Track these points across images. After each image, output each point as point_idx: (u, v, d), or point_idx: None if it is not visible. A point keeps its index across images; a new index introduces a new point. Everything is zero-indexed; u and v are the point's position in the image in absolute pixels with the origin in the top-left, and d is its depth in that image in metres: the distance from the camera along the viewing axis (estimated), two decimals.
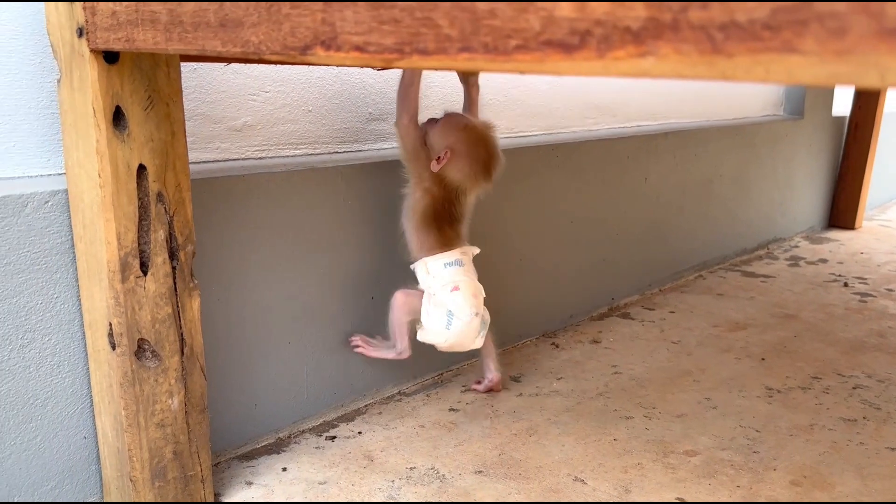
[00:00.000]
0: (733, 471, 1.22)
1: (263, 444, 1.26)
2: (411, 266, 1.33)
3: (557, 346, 1.76)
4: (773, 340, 1.82)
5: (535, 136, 1.83)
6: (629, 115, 2.13)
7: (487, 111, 1.69)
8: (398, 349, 1.33)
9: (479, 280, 1.33)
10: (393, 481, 1.17)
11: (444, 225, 1.30)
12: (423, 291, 1.31)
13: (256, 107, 1.27)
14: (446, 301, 1.28)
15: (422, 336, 1.32)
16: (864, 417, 1.42)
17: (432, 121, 1.30)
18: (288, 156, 1.34)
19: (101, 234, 0.92)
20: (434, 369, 1.56)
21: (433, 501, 0.85)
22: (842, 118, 3.09)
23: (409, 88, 1.22)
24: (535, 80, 1.79)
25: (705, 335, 1.85)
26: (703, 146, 2.26)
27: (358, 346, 1.35)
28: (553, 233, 1.79)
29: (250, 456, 1.23)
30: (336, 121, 1.40)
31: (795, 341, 1.82)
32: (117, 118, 0.90)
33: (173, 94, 0.95)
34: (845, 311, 2.07)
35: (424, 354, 1.53)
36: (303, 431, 1.32)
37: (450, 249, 1.31)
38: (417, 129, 1.26)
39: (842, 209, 3.17)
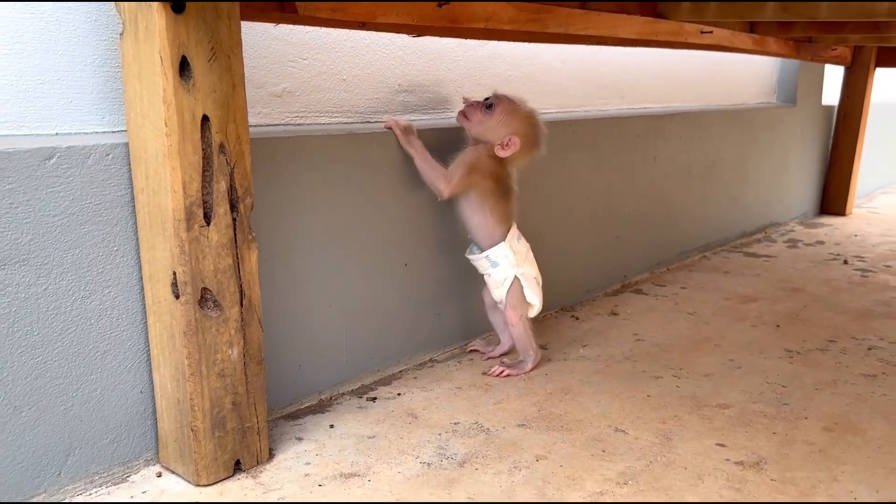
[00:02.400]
0: (767, 420, 1.25)
1: (307, 404, 1.28)
2: (486, 255, 1.39)
3: (577, 319, 1.79)
4: (784, 310, 1.87)
5: (551, 112, 1.87)
6: (636, 97, 2.18)
7: (506, 87, 1.73)
8: (534, 357, 1.45)
9: None
10: (440, 434, 1.19)
11: (507, 199, 1.39)
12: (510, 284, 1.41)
13: (295, 73, 1.29)
14: (531, 271, 1.43)
15: (532, 314, 1.46)
16: (883, 373, 1.46)
17: (484, 106, 1.35)
18: (324, 123, 1.36)
19: (166, 183, 0.94)
20: (462, 338, 1.58)
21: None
22: (831, 107, 3.17)
23: (430, 161, 1.34)
24: (550, 57, 1.83)
25: (719, 307, 1.90)
26: (706, 129, 2.32)
27: (503, 373, 1.42)
28: (570, 209, 1.83)
29: (296, 415, 1.24)
30: (368, 91, 1.43)
31: (806, 311, 1.87)
32: (183, 68, 0.92)
33: (234, 46, 0.97)
34: (849, 284, 2.12)
35: (453, 324, 1.55)
36: (343, 393, 1.33)
37: (510, 224, 1.41)
38: (456, 178, 1.34)
39: (833, 196, 3.25)
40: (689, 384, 1.40)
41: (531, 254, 1.44)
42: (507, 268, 1.40)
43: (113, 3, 0.95)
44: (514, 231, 1.41)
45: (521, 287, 1.41)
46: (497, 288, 1.42)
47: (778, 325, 1.75)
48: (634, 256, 2.11)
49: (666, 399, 1.33)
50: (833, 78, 3.20)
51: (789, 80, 2.95)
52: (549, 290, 1.80)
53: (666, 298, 1.97)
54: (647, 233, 2.14)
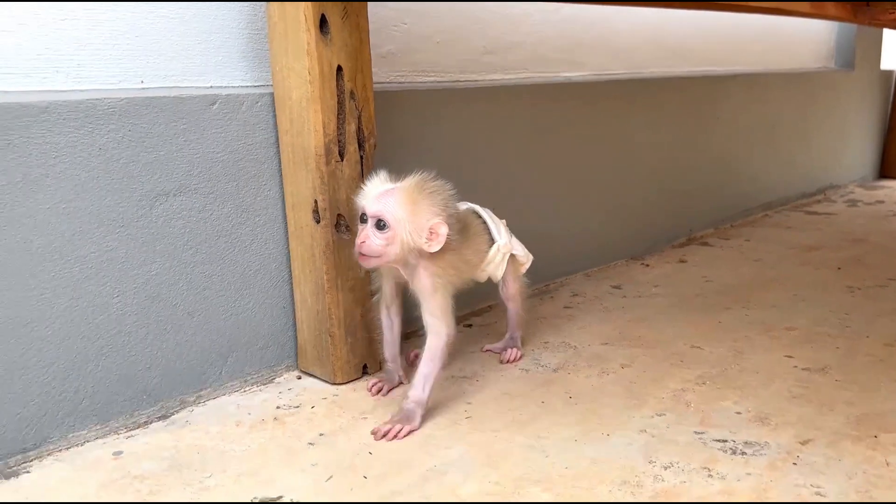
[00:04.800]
0: (831, 339, 1.38)
1: (412, 329, 1.44)
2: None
3: (648, 266, 1.92)
4: (845, 256, 1.97)
5: (620, 73, 2.00)
6: (699, 60, 2.29)
7: (578, 49, 1.87)
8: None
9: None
10: (532, 350, 1.35)
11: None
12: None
13: (398, 37, 1.46)
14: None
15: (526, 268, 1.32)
16: None
17: (375, 228, 1.03)
18: (421, 81, 1.52)
19: (309, 124, 1.11)
20: (543, 278, 1.73)
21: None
22: (889, 72, 3.21)
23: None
24: (617, 19, 1.96)
25: (782, 255, 2.01)
26: (767, 91, 2.41)
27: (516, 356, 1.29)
28: (637, 165, 1.96)
29: (405, 337, 1.40)
30: (457, 52, 1.58)
31: (867, 256, 1.97)
32: (322, 25, 1.09)
33: (361, 7, 1.14)
34: None
35: (536, 263, 1.70)
36: None
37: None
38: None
39: (892, 160, 3.28)
40: (758, 313, 1.53)
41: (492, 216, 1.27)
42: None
43: None
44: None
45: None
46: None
47: (839, 268, 1.86)
48: (699, 212, 2.23)
49: (736, 324, 1.46)
50: (891, 43, 3.23)
51: (847, 45, 3.00)
52: (617, 239, 1.95)
53: (731, 249, 2.08)
54: (711, 190, 2.25)
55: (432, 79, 1.54)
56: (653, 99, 1.97)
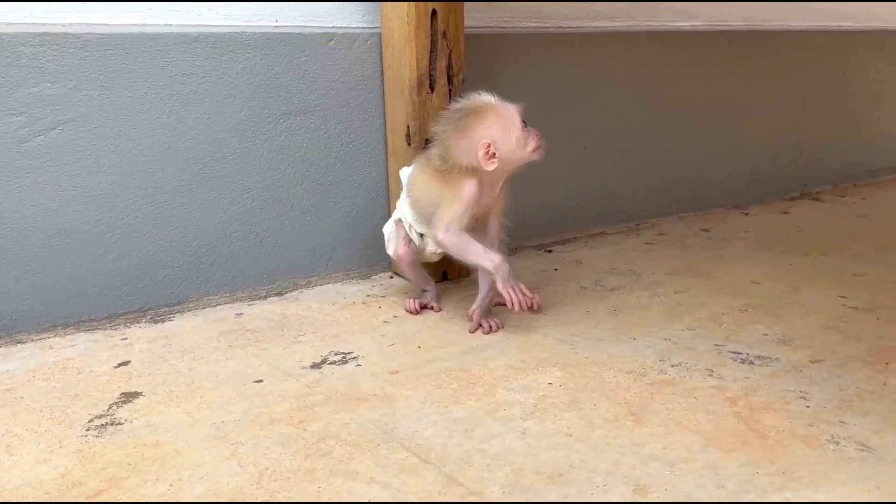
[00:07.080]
0: None
1: None
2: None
3: (747, 215, 1.98)
4: None
5: (736, 25, 2.03)
6: (828, 14, 2.24)
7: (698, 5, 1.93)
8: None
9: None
10: (598, 273, 1.50)
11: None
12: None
13: None
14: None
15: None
16: None
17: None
18: (524, 27, 1.68)
19: (406, 59, 1.32)
20: (634, 217, 1.85)
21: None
22: None
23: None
24: None
25: (893, 214, 1.98)
26: None
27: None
28: (751, 118, 2.00)
29: None
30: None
31: None
32: None
33: None
34: None
35: (626, 202, 1.83)
36: (526, 247, 1.67)
37: None
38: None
39: None
40: (834, 260, 1.57)
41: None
42: None
43: None
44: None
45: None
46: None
47: None
48: (816, 169, 2.22)
49: (807, 268, 1.52)
50: None
51: None
52: (721, 189, 2.01)
53: (842, 206, 2.08)
54: (832, 147, 2.23)
55: (535, 24, 1.69)
56: (772, 52, 1.99)
